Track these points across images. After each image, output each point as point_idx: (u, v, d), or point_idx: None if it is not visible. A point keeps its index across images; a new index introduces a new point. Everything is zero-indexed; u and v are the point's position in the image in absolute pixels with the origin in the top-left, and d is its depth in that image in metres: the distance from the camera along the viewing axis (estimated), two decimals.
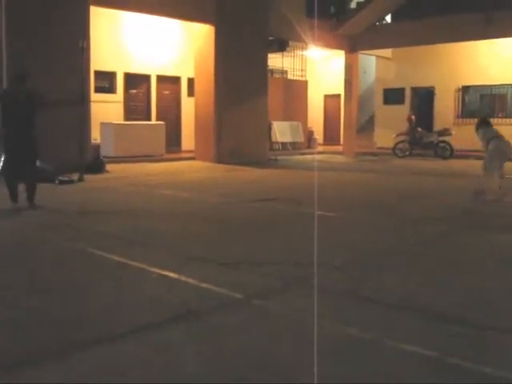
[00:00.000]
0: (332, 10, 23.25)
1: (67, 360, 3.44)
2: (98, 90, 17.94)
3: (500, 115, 22.20)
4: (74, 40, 13.20)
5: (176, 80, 20.46)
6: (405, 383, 3.17)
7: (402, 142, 20.93)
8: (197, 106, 18.25)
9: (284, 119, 23.37)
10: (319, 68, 26.92)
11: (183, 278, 5.08)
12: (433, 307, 4.44)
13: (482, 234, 7.38)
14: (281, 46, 19.86)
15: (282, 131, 23.06)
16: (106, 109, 17.62)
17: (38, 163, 12.06)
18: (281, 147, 22.91)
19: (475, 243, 6.89)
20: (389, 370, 3.32)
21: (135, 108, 19.70)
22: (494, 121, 21.81)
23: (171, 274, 5.20)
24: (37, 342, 3.71)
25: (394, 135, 21.10)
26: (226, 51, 17.48)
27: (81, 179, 12.30)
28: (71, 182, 12.06)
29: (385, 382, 3.18)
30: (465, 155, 19.20)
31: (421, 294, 4.81)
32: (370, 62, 25.59)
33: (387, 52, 24.30)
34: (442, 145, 19.89)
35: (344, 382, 3.18)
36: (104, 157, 15.41)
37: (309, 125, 25.38)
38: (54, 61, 13.48)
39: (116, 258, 5.84)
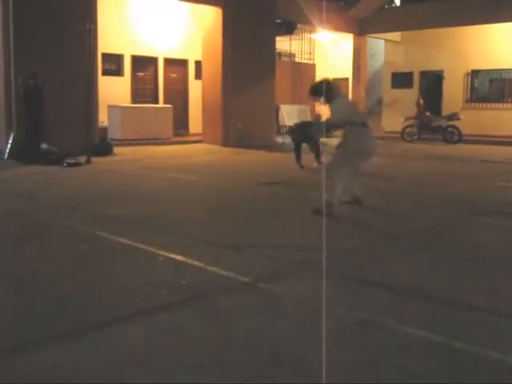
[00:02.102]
0: None
1: (74, 342, 3.47)
2: (106, 72, 17.90)
3: (510, 100, 22.05)
4: (81, 22, 13.15)
5: (183, 63, 20.39)
6: (412, 368, 3.18)
7: (410, 126, 20.81)
8: (204, 89, 18.20)
9: (292, 103, 23.25)
10: (327, 51, 26.75)
11: (190, 261, 5.09)
12: (440, 292, 4.44)
13: (492, 220, 7.35)
14: (289, 29, 19.73)
15: (289, 115, 22.93)
16: (113, 91, 17.63)
17: (45, 145, 12.13)
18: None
19: (484, 229, 6.87)
20: (395, 354, 3.33)
21: (143, 91, 19.65)
22: (503, 106, 21.86)
23: (178, 257, 5.21)
24: (43, 325, 3.74)
25: (402, 119, 20.98)
26: (233, 34, 17.38)
27: (88, 162, 12.31)
28: (79, 164, 12.08)
29: (391, 367, 3.19)
30: (473, 140, 19.11)
31: (428, 278, 4.81)
32: (379, 45, 25.39)
33: (396, 35, 24.09)
34: (450, 129, 19.76)
35: (351, 366, 3.19)
36: (111, 139, 15.41)
37: (316, 108, 25.27)
38: (61, 43, 13.45)
39: (123, 240, 5.85)
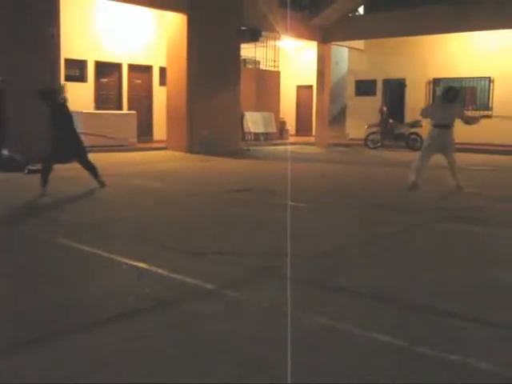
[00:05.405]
0: (305, 0, 23.24)
1: (35, 352, 3.39)
2: (69, 78, 17.70)
3: (470, 108, 22.46)
4: (43, 28, 12.99)
5: (148, 69, 20.30)
6: (376, 373, 3.19)
7: (373, 133, 21.07)
8: (169, 96, 18.13)
9: (256, 110, 23.35)
10: (292, 59, 26.93)
11: (154, 269, 5.05)
12: (404, 297, 4.48)
13: (454, 225, 7.46)
14: (253, 36, 19.79)
15: (254, 122, 23.04)
16: (77, 97, 17.42)
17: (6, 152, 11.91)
18: (253, 138, 22.89)
19: (446, 233, 6.97)
20: (360, 360, 3.34)
21: (106, 97, 19.49)
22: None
23: (142, 265, 5.16)
24: (5, 334, 3.66)
25: (366, 126, 21.23)
26: (198, 41, 17.38)
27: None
28: (40, 171, 11.87)
29: (356, 372, 3.20)
30: None
31: (392, 283, 4.85)
32: (343, 53, 25.66)
33: (359, 43, 24.39)
34: (412, 136, 20.07)
35: (314, 371, 3.19)
36: None
37: (281, 115, 25.40)
38: (23, 49, 13.26)
39: (86, 247, 5.77)
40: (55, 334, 3.63)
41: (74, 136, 9.65)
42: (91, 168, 9.87)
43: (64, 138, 9.48)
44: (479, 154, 18.31)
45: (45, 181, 9.25)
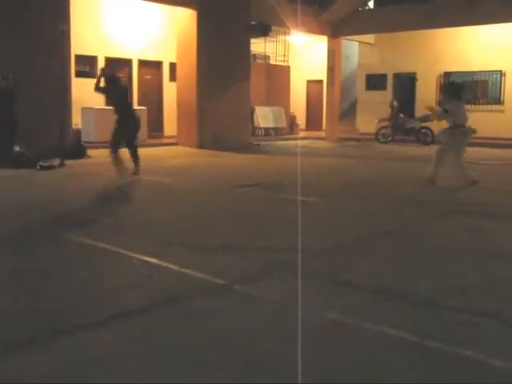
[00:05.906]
0: None
1: (49, 348, 3.41)
2: (79, 74, 17.74)
3: (482, 101, 22.34)
4: (54, 24, 13.03)
5: (158, 65, 20.30)
6: (386, 367, 3.20)
7: (384, 127, 20.99)
8: (179, 91, 18.14)
9: (267, 104, 23.32)
10: (302, 53, 26.86)
11: (165, 264, 5.07)
12: (413, 292, 4.47)
13: (463, 219, 7.44)
14: (263, 31, 19.75)
15: (264, 116, 23.01)
16: (87, 93, 17.48)
17: (17, 148, 11.96)
18: (263, 132, 22.88)
19: (456, 228, 6.94)
20: (370, 354, 3.34)
21: None
22: (475, 107, 22.23)
23: (153, 260, 5.18)
24: (12, 331, 3.68)
25: (376, 121, 21.16)
26: (208, 36, 17.36)
27: (62, 164, 12.19)
28: (52, 167, 11.96)
29: (367, 366, 3.20)
30: None
31: (401, 278, 4.84)
32: (353, 47, 25.55)
33: (370, 38, 24.27)
34: (423, 131, 19.97)
35: (327, 366, 3.19)
36: (85, 142, 15.28)
37: (291, 110, 25.36)
38: (34, 45, 13.30)
39: (97, 243, 5.80)
40: (56, 333, 3.63)
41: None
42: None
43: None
44: (488, 148, 18.20)
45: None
